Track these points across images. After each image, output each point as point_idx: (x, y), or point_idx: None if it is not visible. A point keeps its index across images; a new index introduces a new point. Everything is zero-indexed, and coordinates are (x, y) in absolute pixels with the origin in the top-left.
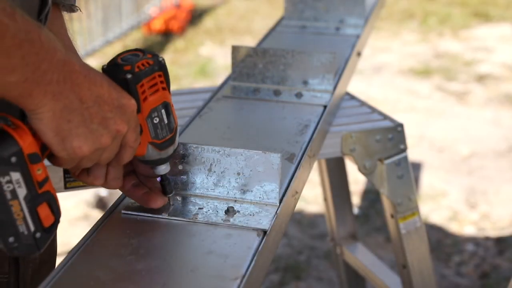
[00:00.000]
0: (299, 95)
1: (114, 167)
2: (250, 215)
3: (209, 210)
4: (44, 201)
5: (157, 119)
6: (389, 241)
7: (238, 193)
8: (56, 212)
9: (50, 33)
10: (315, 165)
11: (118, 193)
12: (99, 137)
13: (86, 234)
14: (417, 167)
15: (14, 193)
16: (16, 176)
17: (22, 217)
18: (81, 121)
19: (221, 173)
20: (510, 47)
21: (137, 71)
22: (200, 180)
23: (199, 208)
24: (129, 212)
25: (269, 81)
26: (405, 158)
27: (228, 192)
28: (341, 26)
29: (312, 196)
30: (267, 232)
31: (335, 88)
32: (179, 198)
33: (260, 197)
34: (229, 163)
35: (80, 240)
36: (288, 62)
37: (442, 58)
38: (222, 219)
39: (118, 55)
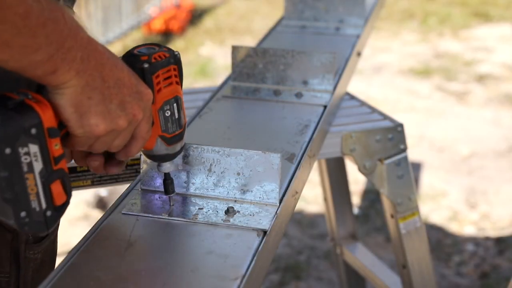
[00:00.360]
0: (299, 95)
1: (121, 158)
2: (250, 215)
3: (209, 210)
4: (58, 178)
5: (169, 112)
6: (389, 241)
7: (238, 193)
8: (68, 191)
9: (72, 14)
10: (315, 165)
11: (118, 193)
12: (116, 118)
13: (86, 234)
14: (417, 167)
15: (30, 166)
16: (34, 148)
17: (35, 193)
18: (101, 99)
19: (221, 173)
20: (510, 47)
21: (154, 62)
22: (200, 180)
23: (199, 208)
24: (129, 213)
25: (269, 81)
26: (405, 158)
27: (228, 192)
28: (341, 26)
29: (312, 196)
30: (267, 232)
31: (335, 88)
32: (179, 198)
33: (260, 197)
34: (229, 163)
35: (80, 240)
36: (288, 62)
37: (442, 58)
38: (222, 219)
39: (134, 47)
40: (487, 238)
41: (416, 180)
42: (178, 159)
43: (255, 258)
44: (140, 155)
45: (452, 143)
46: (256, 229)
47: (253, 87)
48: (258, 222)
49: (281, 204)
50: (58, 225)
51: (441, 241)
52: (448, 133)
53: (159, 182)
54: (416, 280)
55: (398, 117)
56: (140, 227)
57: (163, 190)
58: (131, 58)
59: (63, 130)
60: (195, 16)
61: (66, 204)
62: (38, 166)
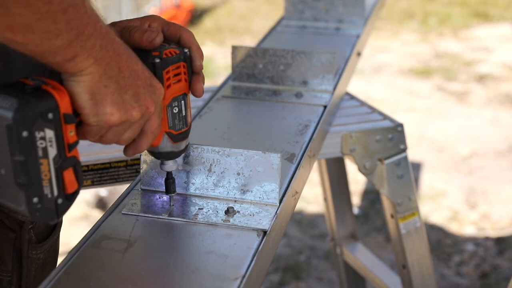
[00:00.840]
0: (299, 95)
1: (129, 154)
2: (250, 215)
3: (209, 211)
4: (70, 165)
5: (177, 109)
6: (389, 241)
7: (238, 193)
8: (79, 179)
9: (91, 3)
10: (315, 165)
11: (118, 193)
12: (130, 108)
13: (86, 234)
14: (417, 167)
15: (45, 151)
16: (50, 133)
17: (48, 179)
18: (117, 88)
19: (221, 173)
20: (510, 47)
21: (165, 57)
22: (200, 181)
23: (199, 209)
24: (129, 213)
25: (269, 81)
26: (405, 158)
27: (228, 193)
28: (341, 26)
29: (312, 196)
30: (267, 232)
31: (335, 88)
32: (179, 199)
33: (260, 197)
34: (229, 163)
35: (80, 240)
36: (288, 62)
37: (442, 58)
38: (222, 220)
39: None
40: (487, 238)
41: (416, 180)
42: (180, 159)
43: (255, 258)
44: (140, 155)
45: (452, 143)
46: (256, 229)
47: (253, 87)
48: (258, 222)
49: (281, 204)
50: (61, 224)
51: (441, 241)
52: (448, 133)
53: (159, 182)
54: (416, 280)
55: (398, 117)
56: (140, 227)
57: (163, 190)
58: (142, 52)
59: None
60: (195, 16)
61: (76, 193)
62: (52, 151)
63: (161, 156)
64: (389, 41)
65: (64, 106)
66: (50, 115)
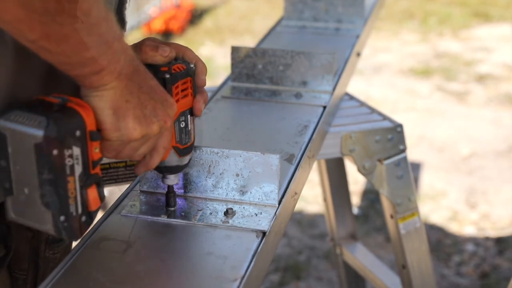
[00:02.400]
0: (298, 95)
1: (140, 171)
2: (249, 216)
3: (208, 212)
4: (94, 183)
5: (183, 124)
6: (388, 241)
7: (237, 194)
8: (102, 196)
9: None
10: (315, 165)
11: (117, 194)
12: (150, 123)
13: (86, 235)
14: (417, 167)
15: (72, 169)
16: (77, 151)
17: (74, 196)
18: (138, 103)
19: (220, 174)
20: (510, 47)
21: (174, 73)
22: (199, 182)
23: (198, 210)
24: (129, 214)
25: (268, 82)
26: (405, 158)
27: (227, 194)
28: (341, 26)
29: (312, 196)
30: (266, 233)
31: (334, 88)
32: (178, 200)
33: (259, 198)
34: (228, 164)
35: (80, 241)
36: (287, 62)
37: (442, 58)
38: (221, 221)
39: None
40: (487, 238)
41: (416, 180)
42: (180, 173)
43: (254, 259)
44: None
45: (452, 143)
46: (255, 230)
47: (253, 87)
48: (257, 223)
49: (280, 205)
50: None
51: (441, 241)
52: (448, 133)
53: (158, 183)
54: (416, 280)
55: (398, 117)
56: (139, 229)
57: (162, 191)
58: (151, 68)
59: None
60: (195, 16)
61: (98, 210)
62: (78, 169)
63: (166, 170)
64: (389, 41)
65: (90, 122)
66: (78, 133)
